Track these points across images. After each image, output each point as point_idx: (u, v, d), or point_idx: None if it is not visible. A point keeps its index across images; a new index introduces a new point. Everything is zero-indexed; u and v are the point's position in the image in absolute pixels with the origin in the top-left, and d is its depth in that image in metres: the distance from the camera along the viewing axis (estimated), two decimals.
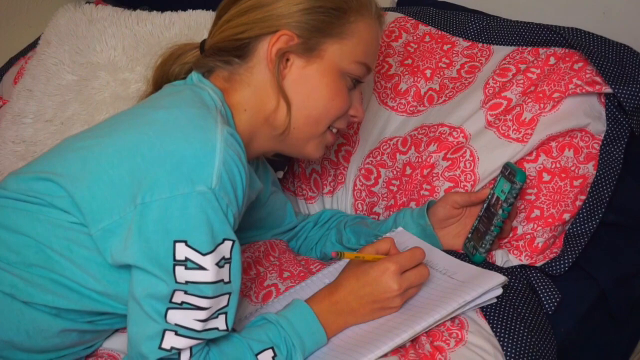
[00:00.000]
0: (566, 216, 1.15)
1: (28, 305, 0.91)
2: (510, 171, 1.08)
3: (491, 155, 1.18)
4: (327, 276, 1.07)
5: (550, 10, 1.45)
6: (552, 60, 1.23)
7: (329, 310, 0.95)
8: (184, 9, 1.55)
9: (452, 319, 0.97)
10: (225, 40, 1.00)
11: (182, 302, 0.84)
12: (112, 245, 0.87)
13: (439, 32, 1.39)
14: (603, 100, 1.20)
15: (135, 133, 0.89)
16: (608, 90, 1.17)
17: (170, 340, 0.83)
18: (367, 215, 1.31)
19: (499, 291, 0.99)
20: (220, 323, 0.87)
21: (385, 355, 0.91)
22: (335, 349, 0.95)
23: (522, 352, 0.96)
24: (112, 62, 1.51)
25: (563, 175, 1.16)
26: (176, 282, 0.83)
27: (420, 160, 1.24)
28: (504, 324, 0.99)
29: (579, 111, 1.18)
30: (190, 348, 0.85)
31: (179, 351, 0.84)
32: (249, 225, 1.21)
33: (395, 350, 0.92)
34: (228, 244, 0.86)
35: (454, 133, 1.23)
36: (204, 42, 1.06)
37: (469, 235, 1.13)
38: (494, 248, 1.14)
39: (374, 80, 1.38)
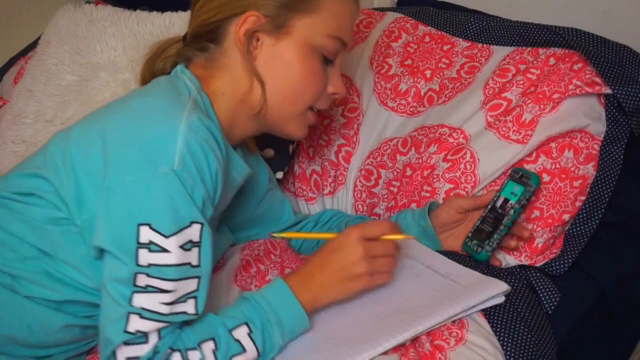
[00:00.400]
0: (566, 217, 1.15)
1: (29, 300, 0.92)
2: (522, 175, 1.10)
3: (491, 156, 1.18)
4: None
5: (550, 10, 1.46)
6: (551, 61, 1.23)
7: (299, 284, 0.93)
8: (184, 9, 1.55)
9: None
10: (199, 26, 1.01)
11: (147, 286, 0.83)
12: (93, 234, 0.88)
13: (439, 33, 1.39)
14: (603, 101, 1.20)
15: (107, 121, 0.91)
16: (608, 91, 1.17)
17: (136, 324, 0.83)
18: (368, 216, 1.31)
19: (501, 299, 0.99)
20: (189, 307, 0.86)
21: (386, 353, 0.91)
22: (334, 342, 0.94)
23: (522, 351, 0.96)
24: (113, 63, 1.51)
25: (563, 175, 1.16)
26: (138, 264, 0.83)
27: (420, 161, 1.24)
28: (504, 323, 0.99)
29: (578, 112, 1.18)
30: (159, 331, 0.84)
31: (145, 334, 0.83)
32: (247, 223, 1.21)
33: (395, 349, 0.92)
34: (196, 227, 0.86)
35: (454, 134, 1.23)
36: (186, 34, 1.07)
37: (469, 235, 1.13)
38: (500, 247, 1.14)
39: (374, 80, 1.38)
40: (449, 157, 1.22)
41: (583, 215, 1.16)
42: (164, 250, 0.84)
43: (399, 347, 0.93)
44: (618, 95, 1.16)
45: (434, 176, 1.22)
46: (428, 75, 1.34)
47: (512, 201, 1.09)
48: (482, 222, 1.12)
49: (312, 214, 1.36)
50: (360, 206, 1.32)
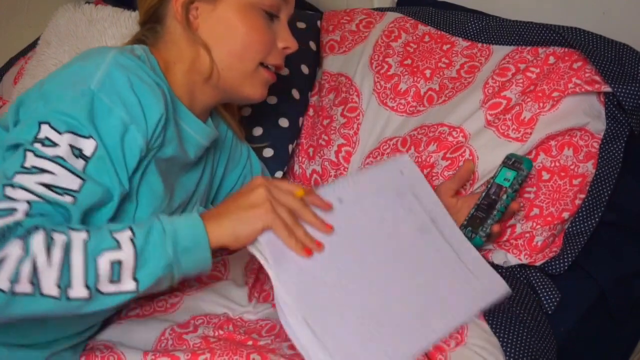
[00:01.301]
0: (565, 215, 1.15)
1: None
2: (515, 160, 1.11)
3: (491, 154, 1.18)
4: None
5: (550, 10, 1.46)
6: (551, 60, 1.23)
7: (206, 215, 0.88)
8: None
9: None
10: (144, 14, 1.06)
11: (32, 167, 0.83)
12: None
13: (439, 32, 1.39)
14: (602, 99, 1.20)
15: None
16: (607, 89, 1.17)
17: (7, 191, 0.80)
18: None
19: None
20: (66, 200, 0.83)
21: None
22: (386, 330, 0.90)
23: (522, 352, 0.96)
24: None
25: (562, 174, 1.16)
26: (29, 149, 0.83)
27: (420, 160, 1.24)
28: (504, 323, 0.99)
29: (578, 110, 1.18)
30: (29, 206, 0.80)
31: (13, 208, 0.79)
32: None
33: None
34: (92, 142, 0.86)
35: (454, 133, 1.23)
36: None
37: (464, 222, 1.13)
38: (493, 239, 1.14)
39: (374, 80, 1.38)
40: (448, 155, 1.22)
41: (583, 214, 1.16)
42: (55, 144, 0.84)
43: None
44: (618, 94, 1.16)
45: (433, 174, 1.22)
46: (428, 75, 1.34)
47: (506, 186, 1.09)
48: (476, 209, 1.12)
49: None
50: None
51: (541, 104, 1.19)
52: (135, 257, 0.81)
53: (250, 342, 0.97)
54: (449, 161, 1.21)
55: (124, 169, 0.90)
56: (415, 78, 1.35)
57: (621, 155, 1.17)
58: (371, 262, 0.96)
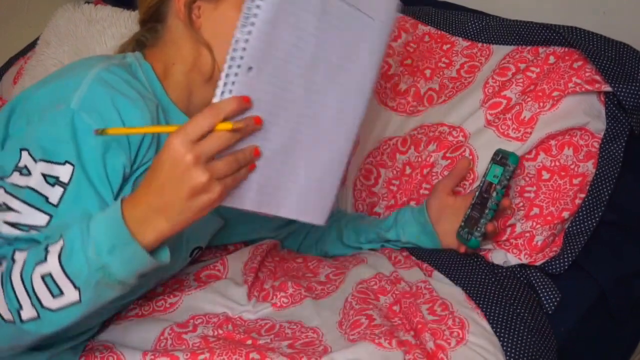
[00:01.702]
0: (565, 214, 1.15)
1: None
2: (502, 156, 1.10)
3: (490, 153, 1.18)
4: None
5: (550, 9, 1.46)
6: (551, 59, 1.23)
7: (132, 218, 0.79)
8: None
9: (453, 319, 0.97)
10: (145, 13, 1.04)
11: (2, 203, 0.83)
12: None
13: (439, 32, 1.39)
14: (603, 98, 1.20)
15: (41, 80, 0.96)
16: (608, 88, 1.17)
17: None
18: (368, 215, 1.31)
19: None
20: (32, 233, 0.83)
21: (390, 349, 0.91)
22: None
23: (522, 351, 0.96)
24: None
25: (562, 173, 1.16)
26: (2, 179, 0.84)
27: (420, 159, 1.24)
28: (504, 323, 0.99)
29: (578, 110, 1.18)
30: None
31: None
32: (242, 217, 1.21)
33: (399, 344, 0.92)
34: (69, 168, 0.85)
35: (454, 132, 1.23)
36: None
37: (462, 224, 1.13)
38: (489, 237, 1.14)
39: None
40: (448, 154, 1.22)
41: (583, 213, 1.16)
42: (30, 173, 0.84)
43: (402, 344, 0.93)
44: (618, 93, 1.16)
45: (433, 173, 1.22)
46: (428, 75, 1.34)
47: (494, 183, 1.09)
48: (472, 209, 1.12)
49: None
50: (360, 205, 1.32)
51: (541, 104, 1.19)
52: (61, 266, 0.78)
53: (249, 342, 0.97)
54: (449, 160, 1.21)
55: (107, 188, 0.88)
56: (415, 78, 1.35)
57: (621, 154, 1.17)
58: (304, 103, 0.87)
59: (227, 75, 0.79)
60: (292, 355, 0.91)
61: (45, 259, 0.78)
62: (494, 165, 1.11)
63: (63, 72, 0.92)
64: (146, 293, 1.05)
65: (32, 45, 1.69)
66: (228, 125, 0.78)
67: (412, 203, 1.24)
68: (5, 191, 0.84)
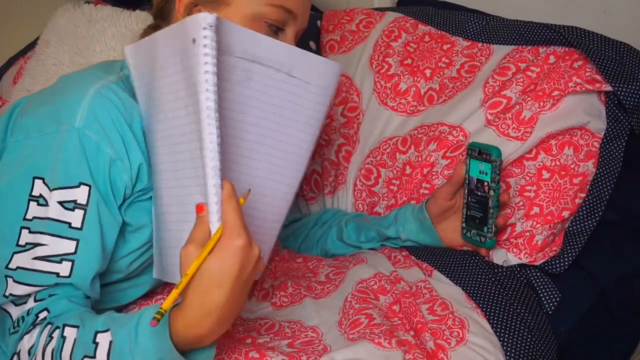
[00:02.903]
0: (565, 214, 1.15)
1: None
2: (479, 150, 1.08)
3: None
4: None
5: (551, 9, 1.46)
6: (551, 59, 1.23)
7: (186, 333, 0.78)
8: None
9: (453, 318, 0.97)
10: (155, 7, 1.04)
11: (26, 243, 0.84)
12: None
13: (439, 32, 1.39)
14: (603, 98, 1.20)
15: (40, 92, 0.96)
16: (608, 88, 1.17)
17: (11, 288, 0.83)
18: (368, 215, 1.31)
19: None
20: (63, 269, 0.84)
21: (390, 349, 0.91)
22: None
23: (522, 351, 0.96)
24: None
25: (563, 173, 1.16)
26: (25, 218, 0.84)
27: (420, 159, 1.25)
28: (504, 323, 0.99)
29: (578, 109, 1.18)
30: (35, 294, 0.84)
31: (21, 297, 0.84)
32: None
33: (399, 344, 0.92)
34: (84, 189, 0.86)
35: (454, 132, 1.23)
36: None
37: (464, 225, 1.13)
38: (501, 229, 1.15)
39: (374, 80, 1.38)
40: (448, 154, 1.22)
41: (583, 213, 1.16)
42: (47, 203, 0.84)
43: (403, 343, 0.93)
44: (618, 93, 1.16)
45: (433, 173, 1.22)
46: (428, 75, 1.34)
47: (486, 181, 1.08)
48: (468, 208, 1.12)
49: (312, 213, 1.36)
50: (360, 205, 1.32)
51: (541, 103, 1.19)
52: None
53: (249, 340, 0.96)
54: (449, 160, 1.21)
55: (114, 205, 0.89)
56: (416, 78, 1.35)
57: (622, 154, 1.17)
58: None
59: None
60: (292, 355, 0.91)
61: (94, 354, 0.79)
62: (473, 161, 1.09)
63: (63, 89, 0.92)
64: (146, 293, 1.05)
65: (32, 45, 1.69)
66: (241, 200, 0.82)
67: (413, 202, 1.24)
68: (30, 232, 0.84)
